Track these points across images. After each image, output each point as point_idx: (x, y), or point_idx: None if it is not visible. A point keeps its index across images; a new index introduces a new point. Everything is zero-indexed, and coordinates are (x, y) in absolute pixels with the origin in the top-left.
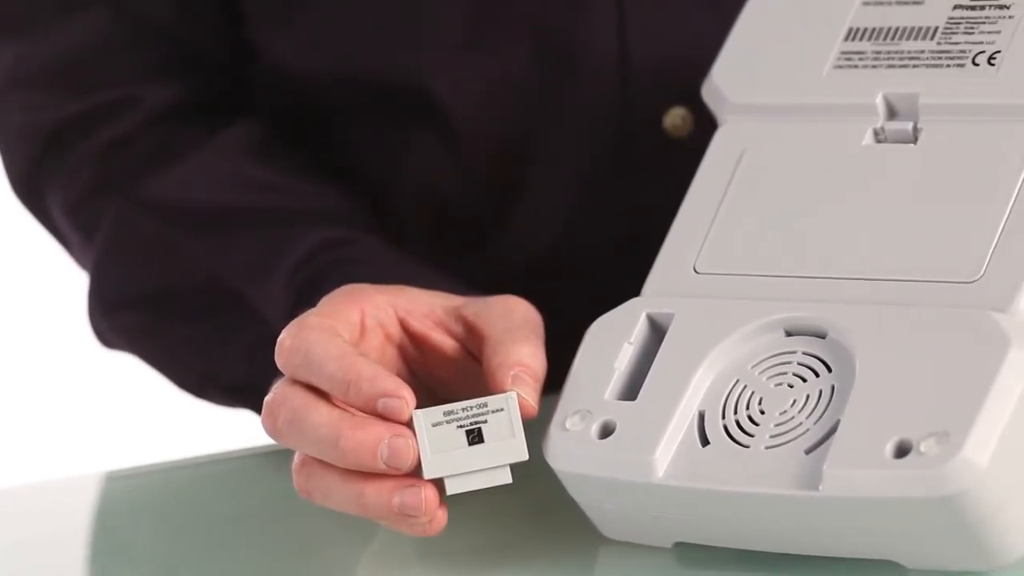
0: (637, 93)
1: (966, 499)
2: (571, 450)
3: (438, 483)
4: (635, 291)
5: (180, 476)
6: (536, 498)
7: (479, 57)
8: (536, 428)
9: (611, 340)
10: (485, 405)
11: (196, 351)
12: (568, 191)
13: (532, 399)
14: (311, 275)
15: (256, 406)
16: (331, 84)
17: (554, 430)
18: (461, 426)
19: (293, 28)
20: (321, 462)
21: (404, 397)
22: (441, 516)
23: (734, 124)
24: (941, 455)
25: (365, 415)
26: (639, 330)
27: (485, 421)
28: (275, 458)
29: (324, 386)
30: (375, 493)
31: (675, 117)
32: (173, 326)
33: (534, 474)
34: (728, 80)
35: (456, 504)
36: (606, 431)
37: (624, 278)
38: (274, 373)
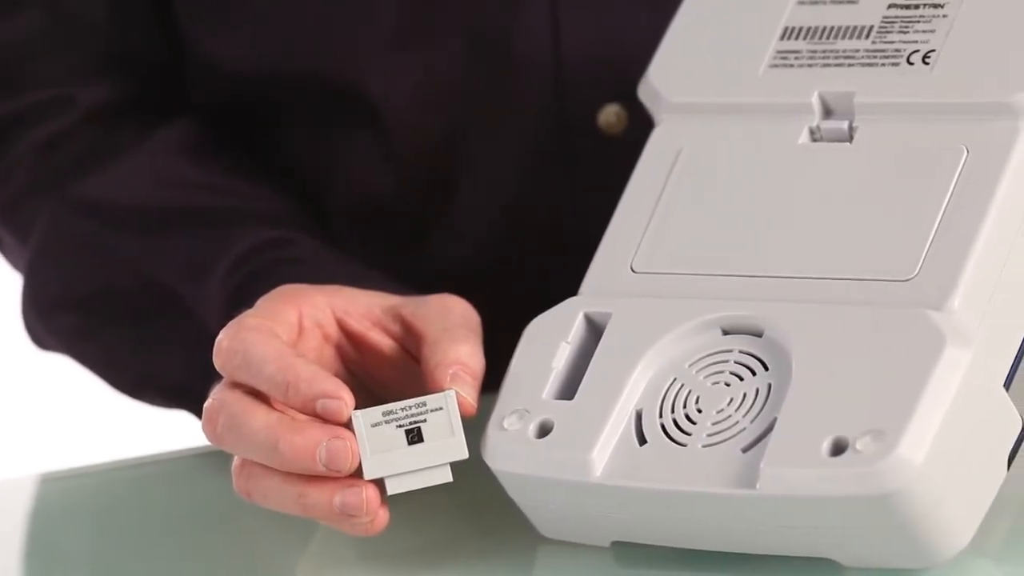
0: (571, 90)
1: (902, 497)
2: (509, 449)
3: (379, 483)
4: (572, 290)
5: (116, 478)
6: (474, 497)
7: (412, 55)
8: (474, 427)
9: (548, 339)
10: (424, 404)
11: (132, 352)
12: (503, 189)
13: (471, 398)
14: (248, 275)
15: (192, 407)
16: (265, 83)
17: (492, 429)
18: (400, 426)
19: (226, 27)
20: (261, 464)
21: (343, 398)
22: (383, 515)
23: (670, 123)
24: (877, 453)
25: (304, 418)
26: (576, 329)
27: (424, 420)
28: (212, 459)
29: (263, 387)
30: (316, 493)
31: (609, 114)
32: (108, 327)
33: (472, 473)
34: (664, 79)
35: (395, 504)
36: (544, 430)
37: (561, 277)
38: (210, 374)
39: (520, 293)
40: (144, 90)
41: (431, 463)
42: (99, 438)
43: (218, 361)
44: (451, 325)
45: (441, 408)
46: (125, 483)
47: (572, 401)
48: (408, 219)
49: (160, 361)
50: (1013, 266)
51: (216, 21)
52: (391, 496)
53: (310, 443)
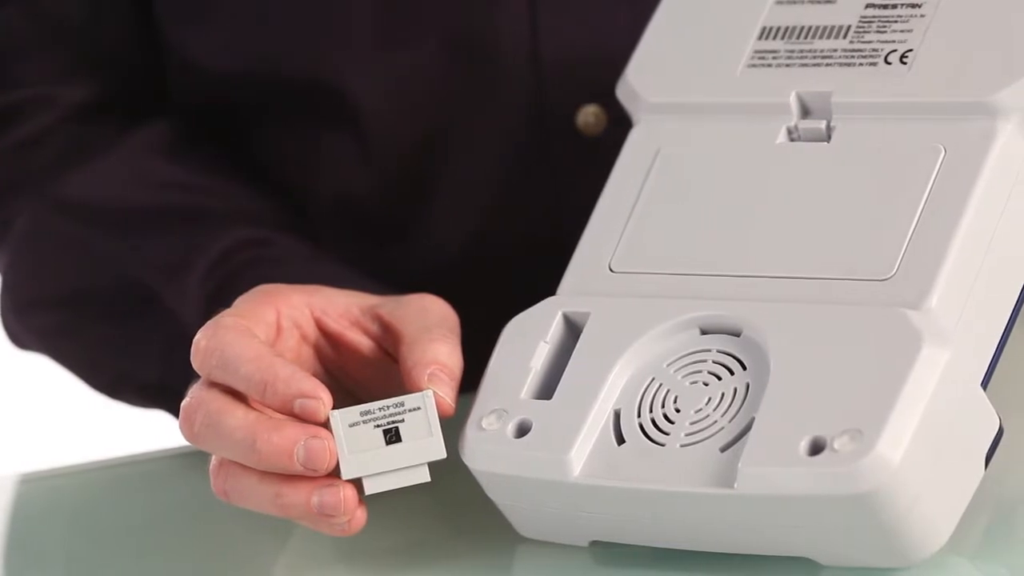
0: (550, 91)
1: (879, 496)
2: (487, 449)
3: (357, 482)
4: (551, 290)
5: (94, 478)
6: (453, 497)
7: (390, 56)
8: (453, 427)
9: (527, 339)
10: (402, 404)
11: (110, 352)
12: (482, 189)
13: (449, 397)
14: (226, 275)
15: (170, 406)
16: (244, 83)
17: (470, 429)
18: (378, 426)
19: (205, 27)
20: (239, 463)
21: (321, 398)
22: (360, 515)
23: (649, 123)
24: (854, 452)
25: (281, 417)
26: (555, 329)
27: (402, 420)
28: (190, 460)
29: (240, 387)
30: (293, 493)
31: (588, 115)
32: (87, 327)
33: (451, 473)
34: (643, 79)
35: (373, 503)
36: (522, 430)
37: (540, 276)
38: (188, 373)
39: (498, 293)
40: (124, 90)
41: (409, 463)
42: (77, 438)
43: (196, 361)
44: (429, 325)
45: (419, 408)
46: (103, 484)
47: (550, 401)
48: (386, 219)
49: (138, 360)
50: (990, 266)
51: (196, 21)
52: (368, 496)
53: (288, 442)
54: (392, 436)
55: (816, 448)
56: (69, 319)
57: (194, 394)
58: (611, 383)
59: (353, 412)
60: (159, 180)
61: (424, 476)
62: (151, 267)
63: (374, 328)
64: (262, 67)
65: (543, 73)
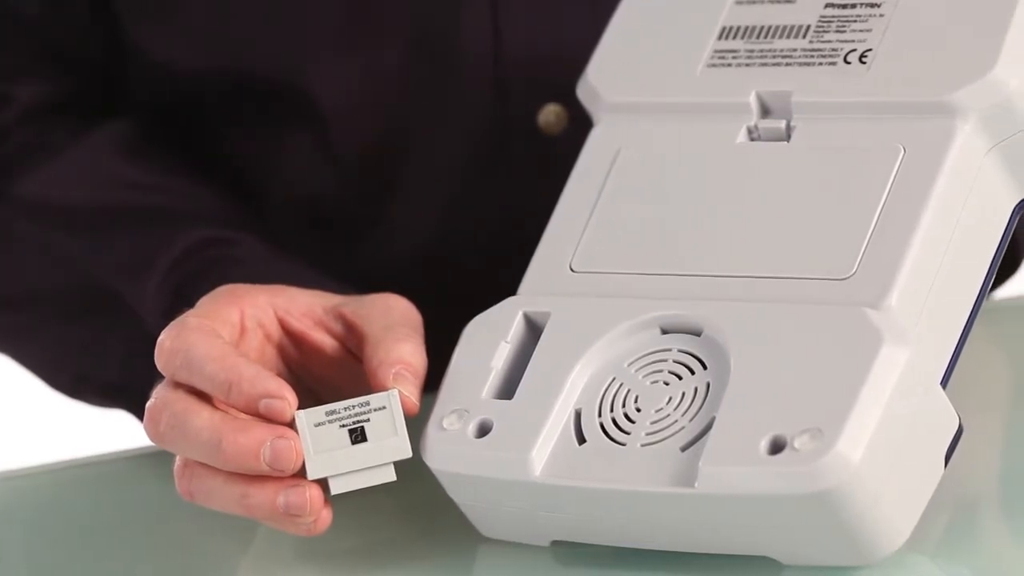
0: (511, 90)
1: (839, 495)
2: (448, 449)
3: (322, 482)
4: (512, 289)
5: (54, 479)
6: (414, 497)
7: (353, 55)
8: (415, 427)
9: (488, 339)
10: (367, 404)
11: (70, 352)
12: (443, 189)
13: (414, 396)
14: (187, 274)
15: (131, 406)
16: (205, 82)
17: (431, 429)
18: (344, 425)
19: (166, 25)
20: (204, 464)
21: (286, 398)
22: (326, 515)
23: (609, 123)
24: (815, 451)
25: (247, 418)
26: (515, 329)
27: (368, 420)
28: (151, 460)
29: (205, 387)
30: (259, 494)
31: (549, 114)
32: (47, 327)
33: (412, 473)
34: (603, 79)
35: (336, 504)
36: (483, 430)
37: (501, 276)
38: (149, 373)
39: (460, 292)
40: (82, 89)
41: (375, 462)
42: (37, 439)
43: (160, 361)
44: (393, 324)
45: (384, 407)
46: (64, 485)
47: (511, 400)
48: (349, 218)
49: (98, 360)
50: (950, 265)
51: (157, 19)
52: (334, 496)
53: (254, 442)
54: (358, 436)
55: (776, 447)
56: (28, 319)
57: (159, 395)
58: (572, 383)
59: (318, 412)
60: (119, 180)
61: (390, 475)
62: (111, 267)
63: (338, 328)
64: (224, 66)
65: (504, 73)
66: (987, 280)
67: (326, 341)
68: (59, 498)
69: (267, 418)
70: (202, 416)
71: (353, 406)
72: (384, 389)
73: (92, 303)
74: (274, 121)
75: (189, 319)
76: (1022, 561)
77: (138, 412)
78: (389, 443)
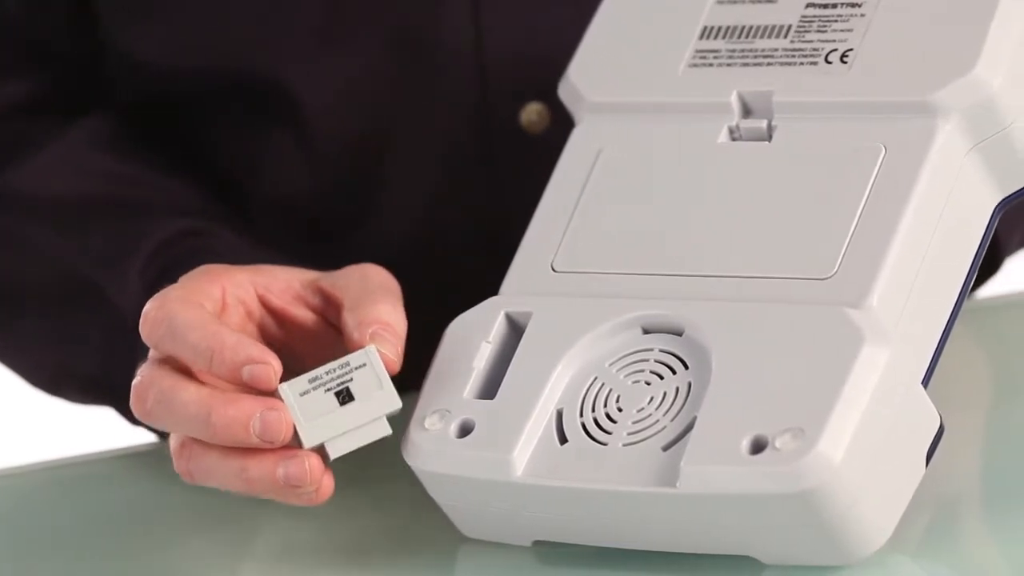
0: (493, 88)
1: (820, 494)
2: (430, 449)
3: (321, 451)
4: (494, 289)
5: (29, 481)
6: (396, 497)
7: (334, 55)
8: (396, 427)
9: (470, 339)
10: (347, 364)
11: (49, 345)
12: (425, 187)
13: (393, 354)
14: (166, 264)
15: (112, 399)
16: (186, 80)
17: (413, 429)
18: (328, 389)
19: (147, 22)
20: (200, 442)
21: (270, 363)
22: (327, 483)
23: (591, 123)
24: (796, 451)
25: (235, 392)
26: (497, 329)
27: (351, 379)
28: (134, 461)
29: (187, 356)
30: (258, 467)
31: (531, 113)
32: (26, 320)
33: (393, 473)
34: (584, 79)
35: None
36: (465, 430)
37: (483, 275)
38: (130, 365)
39: (442, 292)
40: (62, 88)
41: (366, 419)
42: (16, 440)
43: (144, 330)
44: (370, 288)
45: (364, 364)
46: (44, 485)
47: (493, 400)
48: (330, 218)
49: (77, 352)
50: (930, 264)
51: (136, 17)
52: (334, 461)
53: (243, 414)
54: (344, 396)
55: (758, 447)
56: (7, 312)
57: (144, 372)
58: (553, 383)
59: (301, 381)
60: (99, 172)
61: (385, 429)
62: (91, 257)
63: (316, 301)
64: (204, 66)
65: (486, 71)
66: (968, 280)
67: (306, 316)
68: (41, 499)
69: (251, 385)
70: (189, 391)
71: (334, 369)
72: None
73: (71, 295)
74: (256, 120)
75: (172, 291)
76: (1003, 560)
77: (119, 405)
78: (377, 398)
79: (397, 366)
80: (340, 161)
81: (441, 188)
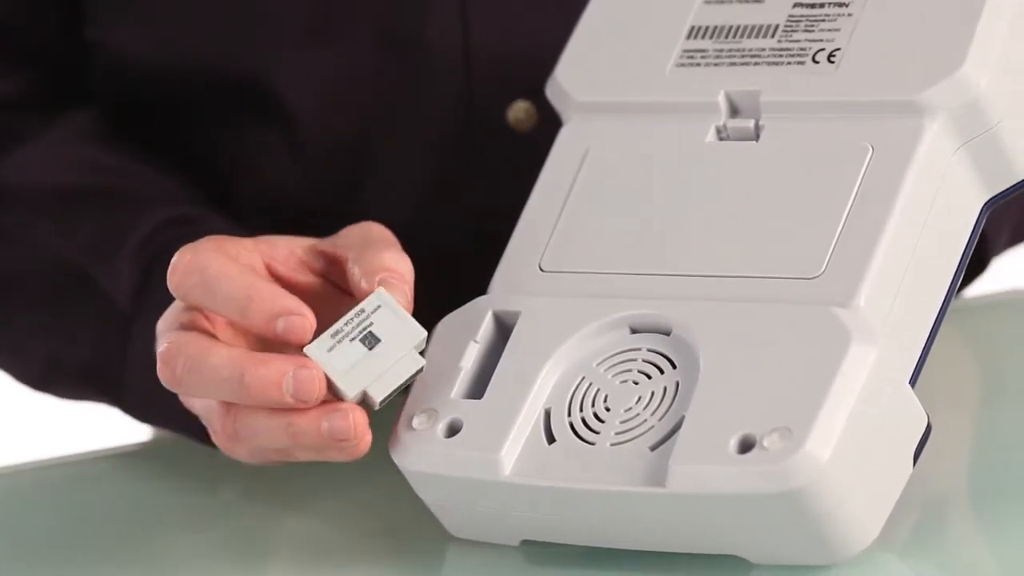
0: (480, 87)
1: (808, 494)
2: (417, 449)
3: (363, 403)
4: (482, 288)
5: (18, 481)
6: (383, 497)
7: (321, 53)
8: (383, 426)
9: (457, 339)
10: (363, 311)
11: (41, 336)
12: (413, 187)
13: (403, 298)
14: (158, 250)
15: (104, 391)
16: (172, 79)
17: (400, 429)
18: (353, 338)
19: (134, 24)
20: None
21: (305, 315)
22: (367, 438)
23: (578, 122)
24: (784, 450)
25: (264, 354)
26: (485, 328)
27: (371, 323)
28: (116, 462)
29: (219, 305)
30: (305, 421)
31: (518, 111)
32: (16, 312)
33: (381, 473)
34: (572, 78)
35: (307, 504)
36: (452, 430)
37: (470, 274)
38: (122, 352)
39: (429, 291)
40: (49, 85)
41: (398, 355)
42: (4, 440)
43: (173, 280)
44: (372, 240)
45: (379, 306)
46: (31, 486)
47: (481, 400)
48: (317, 216)
49: (70, 342)
50: (918, 263)
51: (123, 16)
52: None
53: (276, 373)
54: (370, 340)
55: (746, 446)
56: None
57: (170, 339)
58: (541, 382)
59: (324, 339)
60: (86, 163)
61: (418, 362)
62: (81, 246)
63: (319, 264)
64: (192, 63)
65: (474, 69)
66: (955, 279)
67: (312, 281)
68: (29, 500)
69: (284, 339)
70: (220, 353)
71: (351, 319)
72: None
73: (61, 287)
74: (243, 119)
75: (202, 243)
76: (990, 559)
77: (110, 394)
78: (402, 333)
79: (410, 308)
80: (327, 160)
81: (429, 186)
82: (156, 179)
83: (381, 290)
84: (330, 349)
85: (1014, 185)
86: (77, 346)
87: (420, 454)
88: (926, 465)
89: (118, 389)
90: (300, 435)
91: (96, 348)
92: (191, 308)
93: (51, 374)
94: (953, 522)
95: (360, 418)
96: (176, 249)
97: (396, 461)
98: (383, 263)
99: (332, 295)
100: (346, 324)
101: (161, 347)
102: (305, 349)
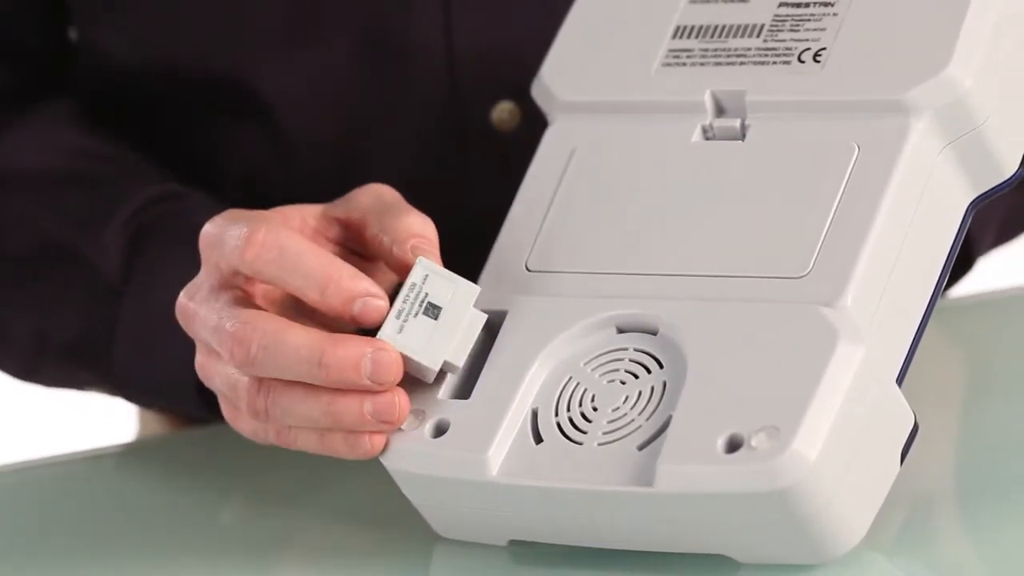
0: (464, 87)
1: (796, 493)
2: (405, 449)
3: (409, 382)
4: None
5: (4, 482)
6: (370, 497)
7: (304, 53)
8: None
9: None
10: (414, 284)
11: (27, 314)
12: (397, 186)
13: (438, 261)
14: (145, 224)
15: (90, 367)
16: (154, 76)
17: None
18: (416, 313)
19: (117, 21)
20: (282, 381)
21: (383, 298)
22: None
23: (564, 122)
24: (771, 450)
25: (340, 335)
26: None
27: (427, 293)
28: (103, 462)
29: (297, 283)
30: (345, 401)
31: (503, 111)
32: (1, 290)
33: (367, 473)
34: (557, 78)
35: (292, 503)
36: (440, 430)
37: (458, 274)
38: (109, 326)
39: None
40: (32, 80)
41: (462, 316)
42: None
43: (248, 253)
44: (389, 203)
45: (427, 275)
46: (17, 487)
47: (468, 400)
48: None
49: (57, 318)
50: (904, 263)
51: (107, 15)
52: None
53: (355, 354)
54: (432, 311)
55: (733, 445)
56: None
57: (241, 319)
58: (528, 382)
59: (391, 323)
60: (71, 148)
61: (482, 316)
62: (70, 222)
63: (334, 231)
64: (174, 63)
65: (457, 70)
66: (942, 278)
67: (329, 249)
68: (16, 500)
69: (359, 320)
70: (297, 333)
71: (407, 296)
72: (407, 265)
73: (47, 262)
74: (226, 118)
75: (266, 216)
76: (978, 558)
77: (97, 370)
78: (458, 293)
79: None
80: (311, 159)
81: (413, 187)
82: (139, 161)
83: (422, 259)
84: (400, 330)
85: (1000, 184)
86: (64, 321)
87: (407, 454)
88: (913, 464)
89: (106, 364)
90: (340, 415)
91: (83, 321)
92: (229, 282)
93: (37, 353)
94: (940, 521)
95: (404, 399)
96: (162, 224)
97: (383, 461)
98: (411, 228)
99: (349, 261)
100: (404, 302)
101: (231, 326)
102: (379, 336)
